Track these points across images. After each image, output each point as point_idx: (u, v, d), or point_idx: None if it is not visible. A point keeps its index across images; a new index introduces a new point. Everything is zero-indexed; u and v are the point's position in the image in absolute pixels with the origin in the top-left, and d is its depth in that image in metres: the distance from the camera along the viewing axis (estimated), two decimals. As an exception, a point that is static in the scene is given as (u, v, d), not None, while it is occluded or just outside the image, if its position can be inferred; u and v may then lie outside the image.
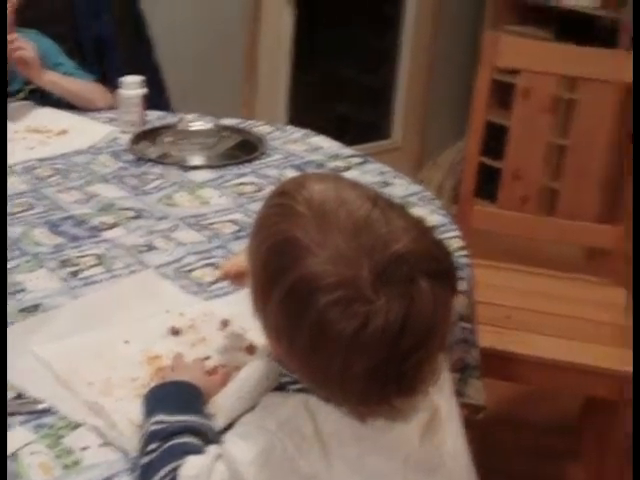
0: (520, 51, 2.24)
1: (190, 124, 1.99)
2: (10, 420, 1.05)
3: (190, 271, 1.44)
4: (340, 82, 4.31)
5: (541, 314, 1.99)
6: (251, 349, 1.21)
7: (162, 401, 1.02)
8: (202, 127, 2.00)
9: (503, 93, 3.25)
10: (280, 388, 1.04)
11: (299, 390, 0.95)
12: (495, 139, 2.50)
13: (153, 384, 1.07)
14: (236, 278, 1.18)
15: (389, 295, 0.82)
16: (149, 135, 2.02)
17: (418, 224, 0.89)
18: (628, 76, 2.07)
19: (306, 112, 3.44)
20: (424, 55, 3.77)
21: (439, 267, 0.85)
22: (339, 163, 1.95)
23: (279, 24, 3.18)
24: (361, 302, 0.81)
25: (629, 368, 1.66)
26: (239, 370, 1.12)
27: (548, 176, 2.25)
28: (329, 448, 0.90)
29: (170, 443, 0.95)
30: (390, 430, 0.92)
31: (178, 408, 1.00)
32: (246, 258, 0.96)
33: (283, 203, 0.90)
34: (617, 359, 1.82)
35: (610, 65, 2.15)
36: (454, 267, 0.89)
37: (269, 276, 0.88)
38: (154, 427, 0.97)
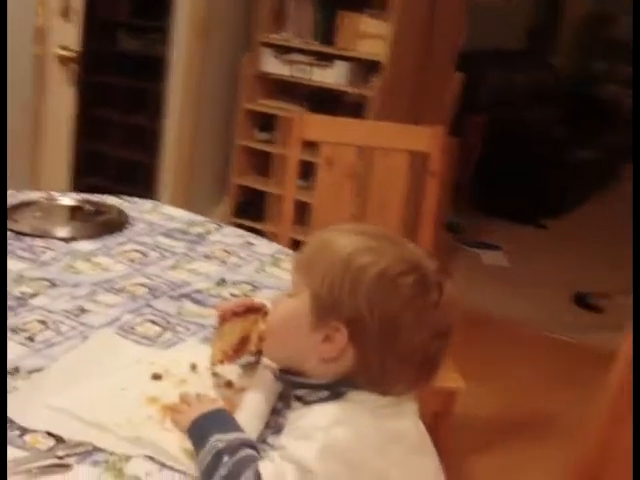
0: (322, 126, 2.62)
1: (57, 199, 2.15)
2: (66, 461, 1.19)
3: (133, 327, 1.61)
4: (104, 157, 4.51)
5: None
6: (230, 384, 1.43)
7: (212, 426, 1.21)
8: (68, 202, 2.17)
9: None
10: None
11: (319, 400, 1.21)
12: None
13: (194, 417, 1.25)
14: (235, 353, 1.38)
15: (446, 278, 1.18)
16: (12, 211, 2.10)
17: None
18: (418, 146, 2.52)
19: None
20: (188, 130, 4.07)
21: None
22: (199, 229, 2.20)
23: (63, 103, 3.34)
24: (433, 279, 1.16)
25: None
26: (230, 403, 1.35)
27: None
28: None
29: (238, 456, 1.15)
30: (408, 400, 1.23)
31: (228, 429, 1.21)
32: (305, 282, 1.23)
33: None
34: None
35: (402, 136, 2.60)
36: None
37: (351, 277, 1.16)
38: (219, 445, 1.17)
